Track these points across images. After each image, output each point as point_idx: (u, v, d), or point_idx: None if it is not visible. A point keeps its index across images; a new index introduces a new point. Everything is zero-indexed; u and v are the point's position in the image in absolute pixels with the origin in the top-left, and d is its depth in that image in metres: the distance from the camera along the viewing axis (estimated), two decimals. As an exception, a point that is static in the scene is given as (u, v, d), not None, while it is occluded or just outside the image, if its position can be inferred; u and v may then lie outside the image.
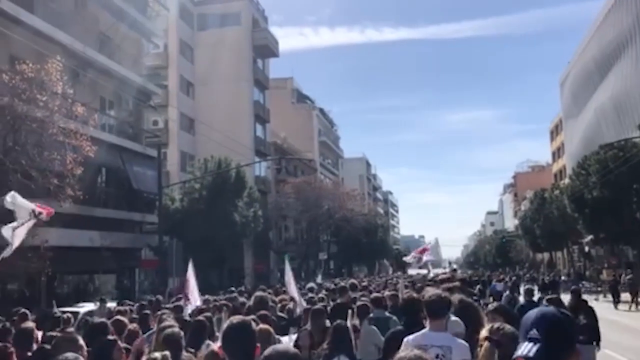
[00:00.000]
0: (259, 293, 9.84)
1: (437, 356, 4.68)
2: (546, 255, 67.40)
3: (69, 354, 3.50)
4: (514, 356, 1.90)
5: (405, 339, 5.01)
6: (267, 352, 2.56)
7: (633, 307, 27.73)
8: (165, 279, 28.49)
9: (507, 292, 17.24)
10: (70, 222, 22.62)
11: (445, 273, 18.84)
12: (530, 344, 1.88)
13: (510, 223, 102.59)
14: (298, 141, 60.70)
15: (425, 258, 19.03)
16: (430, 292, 5.84)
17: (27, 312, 9.98)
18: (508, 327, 3.17)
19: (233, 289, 17.95)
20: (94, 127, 22.62)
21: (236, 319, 3.40)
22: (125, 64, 29.82)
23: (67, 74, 17.93)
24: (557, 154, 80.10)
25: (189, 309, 10.13)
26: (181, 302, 10.73)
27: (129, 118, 31.76)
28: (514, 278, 34.05)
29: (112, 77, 28.43)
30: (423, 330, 5.03)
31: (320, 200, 50.79)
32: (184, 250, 35.30)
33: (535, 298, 13.04)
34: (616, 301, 28.72)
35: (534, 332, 1.90)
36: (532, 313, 1.99)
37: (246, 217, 34.50)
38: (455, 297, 5.58)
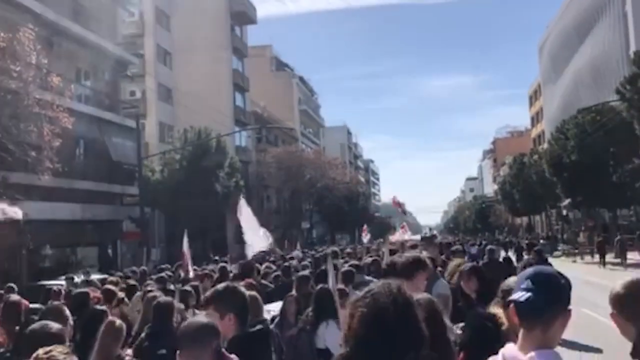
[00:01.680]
0: (243, 261, 9.92)
1: None
2: (525, 219, 68.56)
3: (52, 323, 3.50)
4: (508, 299, 1.97)
5: None
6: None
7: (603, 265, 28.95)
8: (148, 250, 28.43)
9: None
10: (49, 195, 22.37)
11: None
12: (523, 292, 1.94)
13: (490, 188, 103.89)
14: (278, 110, 60.26)
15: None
16: (404, 255, 5.92)
17: (14, 285, 9.93)
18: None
19: (217, 258, 18.02)
20: (70, 98, 22.17)
21: (222, 284, 3.48)
22: (100, 33, 29.12)
23: (40, 44, 17.47)
24: (536, 119, 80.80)
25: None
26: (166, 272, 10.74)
27: (106, 89, 31.20)
28: (484, 242, 35.13)
29: (87, 46, 27.79)
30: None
31: (302, 169, 50.80)
32: (166, 222, 35.26)
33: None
34: (603, 261, 30.07)
35: (527, 283, 1.96)
36: (531, 269, 2.06)
37: (228, 188, 34.40)
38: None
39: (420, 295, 3.38)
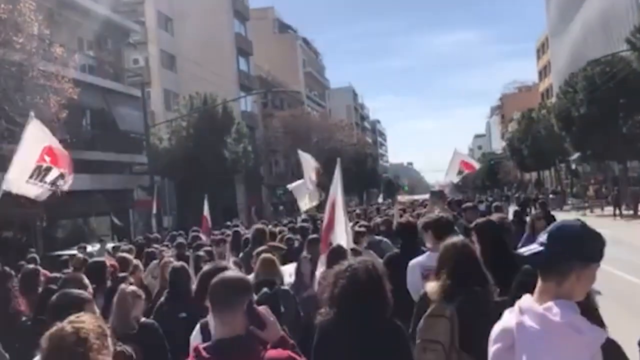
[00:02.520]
0: (258, 225, 9.99)
1: None
2: (534, 174, 68.30)
3: (73, 289, 3.56)
4: (516, 252, 2.00)
5: (410, 263, 5.10)
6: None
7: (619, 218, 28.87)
8: (159, 218, 28.68)
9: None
10: (60, 167, 22.46)
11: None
12: (535, 246, 1.96)
13: (498, 145, 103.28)
14: (283, 73, 59.71)
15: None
16: (431, 214, 5.92)
17: (36, 256, 10.10)
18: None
19: (229, 223, 18.18)
20: (74, 68, 22.07)
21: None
22: (100, 1, 28.78)
23: (41, 14, 17.29)
24: (543, 73, 79.65)
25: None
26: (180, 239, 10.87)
27: (109, 58, 31.00)
28: (491, 199, 35.28)
29: (89, 15, 27.50)
30: (427, 252, 5.12)
31: (308, 133, 50.61)
32: (176, 189, 35.45)
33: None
34: (620, 213, 30.21)
35: (544, 237, 1.97)
36: (557, 222, 2.07)
37: (236, 153, 34.42)
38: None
39: (456, 239, 3.92)
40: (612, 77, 33.61)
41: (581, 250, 1.94)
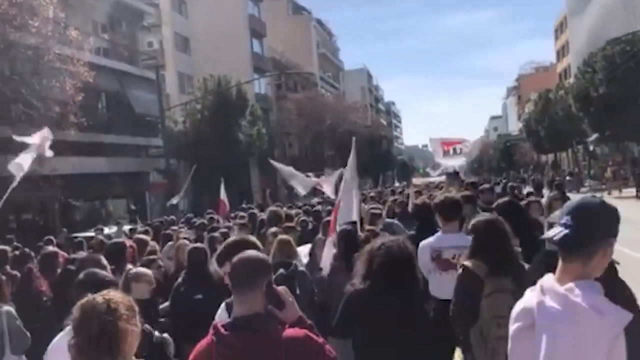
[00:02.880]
0: (273, 207, 10.02)
1: (453, 257, 4.82)
2: (550, 156, 67.60)
3: (97, 269, 3.60)
4: (542, 237, 1.96)
5: (420, 244, 5.13)
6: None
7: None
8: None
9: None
10: (77, 150, 22.69)
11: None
12: (561, 229, 1.91)
13: (514, 126, 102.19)
14: (296, 55, 59.37)
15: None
16: (440, 195, 5.93)
17: (52, 238, 10.25)
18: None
19: (244, 206, 18.26)
20: (89, 52, 22.15)
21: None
22: (114, -17, 28.77)
23: (56, -3, 17.33)
24: (561, 53, 78.34)
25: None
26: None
27: (123, 41, 31.04)
28: (504, 180, 34.91)
29: (102, -2, 27.51)
30: (437, 233, 5.13)
31: (322, 115, 50.44)
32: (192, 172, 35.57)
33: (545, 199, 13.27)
34: None
35: (566, 219, 1.93)
36: (573, 201, 2.02)
37: (250, 136, 34.45)
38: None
39: (491, 216, 4.16)
40: (632, 56, 32.99)
41: (608, 227, 1.93)
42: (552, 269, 1.99)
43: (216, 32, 42.38)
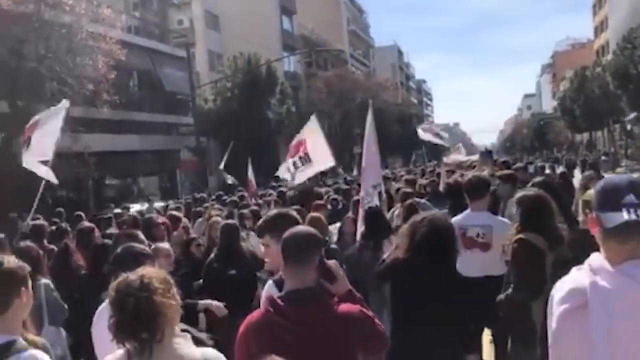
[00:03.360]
0: (306, 186, 10.11)
1: (477, 235, 4.81)
2: (586, 135, 66.09)
3: (136, 244, 3.64)
4: (609, 226, 1.81)
5: None
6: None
7: None
8: (205, 178, 29.20)
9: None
10: (108, 128, 23.06)
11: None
12: (632, 209, 1.76)
13: (549, 105, 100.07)
14: (326, 32, 58.84)
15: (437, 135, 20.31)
16: (469, 174, 5.89)
17: (81, 213, 10.43)
18: None
19: (274, 184, 18.32)
20: (121, 30, 22.32)
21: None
22: (144, -39, 28.83)
23: (88, -24, 17.47)
24: (599, 28, 75.96)
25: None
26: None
27: (154, 19, 31.19)
28: (537, 160, 34.34)
29: (133, -24, 27.63)
30: (465, 212, 5.11)
31: (352, 93, 50.07)
32: (221, 150, 35.87)
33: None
34: None
35: (630, 198, 1.78)
36: (620, 181, 1.88)
37: (279, 114, 34.45)
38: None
39: (538, 191, 4.22)
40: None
41: None
42: (587, 249, 1.91)
43: (246, 10, 42.27)
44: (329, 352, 2.41)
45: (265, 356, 1.90)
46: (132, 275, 2.28)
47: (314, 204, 7.52)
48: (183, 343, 2.32)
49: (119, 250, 3.41)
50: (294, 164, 9.77)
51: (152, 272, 2.33)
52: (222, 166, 20.08)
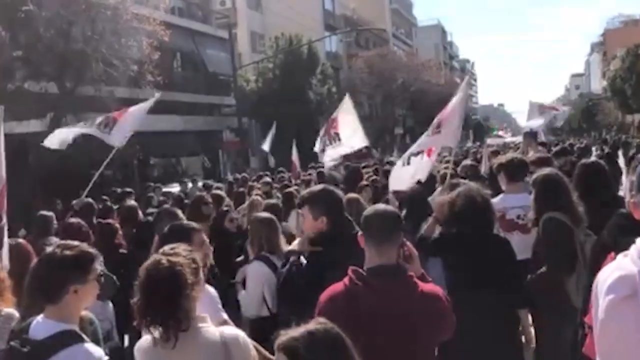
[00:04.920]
0: (355, 165, 10.23)
1: (517, 217, 4.72)
2: (637, 116, 63.65)
3: (181, 222, 3.72)
4: None
5: None
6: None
7: None
8: (247, 158, 29.47)
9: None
10: (153, 108, 23.34)
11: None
12: None
13: (598, 85, 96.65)
14: (368, 11, 58.09)
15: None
16: (508, 156, 5.79)
17: (131, 190, 10.72)
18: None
19: (313, 164, 18.35)
20: (165, 11, 22.57)
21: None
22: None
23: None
24: (654, 5, 72.65)
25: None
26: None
27: (197, 0, 31.40)
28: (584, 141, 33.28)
29: (175, -43, 27.81)
30: (502, 194, 5.02)
31: (394, 73, 49.44)
32: (263, 131, 36.11)
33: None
34: None
35: None
36: None
37: (320, 95, 34.36)
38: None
39: (551, 171, 4.37)
40: None
41: None
42: (626, 231, 1.85)
43: (287, -11, 42.07)
44: (411, 326, 2.46)
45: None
46: (164, 260, 2.28)
47: (360, 184, 7.56)
48: (204, 327, 2.32)
49: (166, 228, 3.47)
50: (324, 141, 9.94)
51: (183, 258, 2.31)
52: (266, 148, 20.22)
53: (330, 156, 10.14)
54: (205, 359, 2.27)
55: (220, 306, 3.17)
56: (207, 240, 3.37)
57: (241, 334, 2.42)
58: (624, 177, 10.37)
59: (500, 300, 3.51)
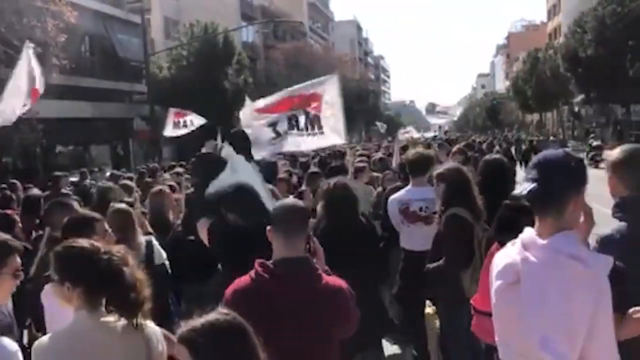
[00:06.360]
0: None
1: (420, 209, 4.93)
2: (536, 116, 67.85)
3: (83, 213, 3.61)
4: (513, 193, 1.99)
5: (389, 198, 5.26)
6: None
7: None
8: (159, 148, 28.68)
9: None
10: (59, 93, 22.22)
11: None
12: (528, 184, 1.91)
13: (502, 85, 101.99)
14: (285, 3, 58.02)
15: None
16: (413, 151, 5.99)
17: (32, 185, 10.14)
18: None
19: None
20: (72, -9, 21.43)
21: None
22: None
23: None
24: (552, 11, 77.50)
25: None
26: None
27: (108, -19, 30.08)
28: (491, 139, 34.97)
29: None
30: (406, 187, 5.24)
31: (311, 66, 49.72)
32: (176, 120, 35.22)
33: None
34: None
35: (533, 173, 1.93)
36: (538, 155, 2.04)
37: (236, 85, 33.97)
38: None
39: (456, 165, 4.60)
40: (622, 17, 32.77)
41: (575, 177, 1.93)
42: (508, 222, 2.03)
43: (204, -24, 41.16)
44: (315, 317, 2.49)
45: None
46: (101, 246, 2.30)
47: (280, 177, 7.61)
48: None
49: (68, 217, 3.38)
50: (292, 123, 7.14)
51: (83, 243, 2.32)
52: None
53: (297, 146, 7.27)
54: None
55: None
56: (110, 229, 3.32)
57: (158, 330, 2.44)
58: (517, 170, 11.18)
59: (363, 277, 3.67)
